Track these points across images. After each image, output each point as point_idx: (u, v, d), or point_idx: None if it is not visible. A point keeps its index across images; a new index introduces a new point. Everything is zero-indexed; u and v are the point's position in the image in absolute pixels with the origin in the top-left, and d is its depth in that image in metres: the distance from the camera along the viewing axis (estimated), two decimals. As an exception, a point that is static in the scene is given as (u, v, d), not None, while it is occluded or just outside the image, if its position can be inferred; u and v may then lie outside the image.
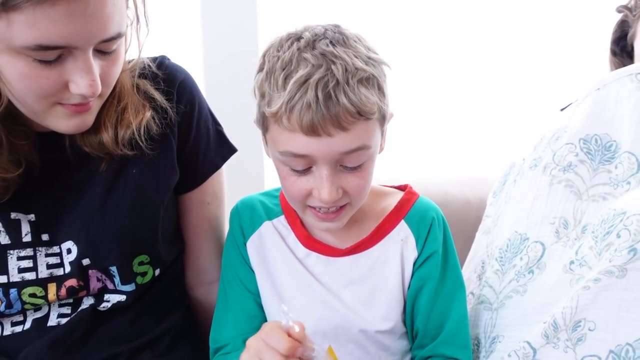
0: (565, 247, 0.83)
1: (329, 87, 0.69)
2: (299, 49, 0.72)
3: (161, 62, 0.88)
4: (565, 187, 0.86)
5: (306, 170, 0.74)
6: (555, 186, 0.87)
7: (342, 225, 0.79)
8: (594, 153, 0.86)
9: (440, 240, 0.83)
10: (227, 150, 0.94)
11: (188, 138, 0.88)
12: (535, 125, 1.13)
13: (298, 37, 0.74)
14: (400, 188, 0.88)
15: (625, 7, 1.01)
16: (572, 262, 0.79)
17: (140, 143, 0.81)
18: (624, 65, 1.01)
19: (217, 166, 0.93)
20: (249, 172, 1.26)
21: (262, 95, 0.74)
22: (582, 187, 0.85)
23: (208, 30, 1.31)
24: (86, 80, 0.71)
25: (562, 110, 1.00)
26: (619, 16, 1.05)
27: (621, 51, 1.04)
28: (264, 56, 0.76)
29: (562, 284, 0.79)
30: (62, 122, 0.75)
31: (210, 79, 1.30)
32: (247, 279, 0.85)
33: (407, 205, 0.84)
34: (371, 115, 0.72)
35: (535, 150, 0.94)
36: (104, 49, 0.72)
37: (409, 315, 0.83)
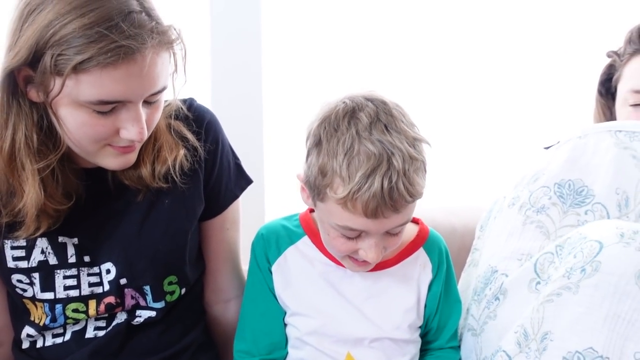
0: (525, 273, 0.93)
1: (392, 181, 0.79)
2: (357, 132, 0.81)
3: (190, 104, 0.99)
4: (536, 228, 0.97)
5: (357, 237, 0.85)
6: (528, 226, 0.97)
7: (371, 267, 0.91)
8: (565, 197, 0.97)
9: (449, 266, 0.98)
10: (244, 181, 1.05)
11: (213, 172, 0.99)
12: (520, 157, 1.23)
13: (352, 115, 0.82)
14: (411, 221, 1.00)
15: (615, 52, 1.12)
16: (538, 283, 0.90)
17: (175, 177, 0.92)
18: (608, 106, 1.14)
19: (236, 196, 1.04)
20: (251, 201, 1.36)
21: (323, 174, 0.82)
22: (552, 228, 0.96)
23: (216, 71, 1.41)
24: (136, 128, 0.82)
25: (546, 148, 1.10)
26: (608, 60, 1.17)
27: (606, 92, 1.15)
28: (319, 130, 0.84)
29: (529, 303, 0.88)
30: (110, 160, 0.86)
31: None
32: (268, 303, 0.95)
33: (424, 235, 0.97)
34: (420, 197, 0.84)
35: (515, 189, 1.04)
36: (150, 100, 0.83)
37: (424, 324, 0.96)
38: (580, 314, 0.81)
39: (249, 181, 1.06)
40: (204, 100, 1.44)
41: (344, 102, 0.85)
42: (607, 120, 1.15)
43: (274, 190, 1.48)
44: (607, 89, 1.16)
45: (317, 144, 0.85)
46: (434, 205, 1.42)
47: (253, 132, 1.48)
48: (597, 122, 1.17)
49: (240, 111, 1.46)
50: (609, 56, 1.14)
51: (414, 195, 0.82)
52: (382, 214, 0.81)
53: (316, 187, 0.85)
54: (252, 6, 1.44)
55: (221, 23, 1.42)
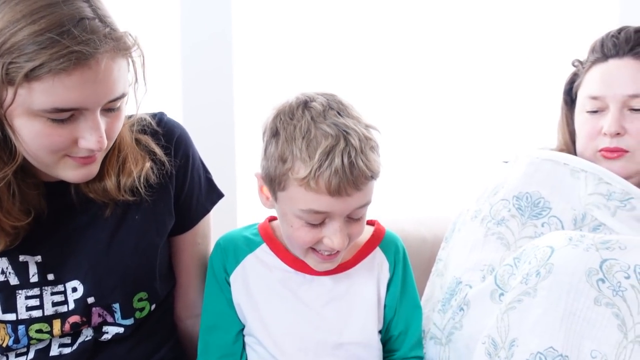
0: (487, 285, 0.96)
1: (351, 157, 0.83)
2: (312, 118, 0.85)
3: (160, 119, 0.99)
4: (497, 239, 1.01)
5: (320, 223, 0.87)
6: (489, 237, 1.01)
7: (337, 264, 0.93)
8: (524, 209, 1.01)
9: (406, 264, 1.00)
10: (215, 195, 1.05)
11: (184, 187, 0.99)
12: (486, 169, 1.26)
13: (306, 105, 0.87)
14: (368, 223, 1.02)
15: (579, 61, 1.16)
16: (501, 294, 0.92)
17: (140, 190, 0.91)
18: (572, 115, 1.18)
19: (207, 210, 1.04)
20: (223, 213, 1.36)
21: (283, 161, 0.85)
22: (511, 239, 1.00)
23: (187, 80, 1.41)
24: (94, 137, 0.80)
25: (505, 162, 1.15)
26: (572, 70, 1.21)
27: (571, 102, 1.19)
28: (275, 122, 0.88)
29: (493, 312, 0.91)
30: (70, 172, 0.84)
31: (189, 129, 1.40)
32: (224, 314, 0.96)
33: (380, 235, 1.00)
34: (378, 176, 0.88)
35: (477, 202, 1.08)
36: (109, 107, 0.82)
37: (385, 326, 0.98)
38: (539, 315, 0.83)
39: (220, 195, 1.06)
40: (174, 111, 1.46)
41: (295, 97, 0.89)
42: (571, 130, 1.18)
43: (246, 201, 1.48)
44: (571, 98, 1.20)
45: (274, 134, 0.87)
46: (403, 216, 1.44)
47: (225, 143, 1.48)
48: (561, 133, 1.21)
49: (211, 122, 1.46)
50: (574, 65, 1.19)
51: (372, 171, 0.85)
52: (344, 191, 0.83)
53: (277, 177, 0.87)
54: (222, 13, 1.44)
55: (191, 32, 1.42)
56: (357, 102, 0.93)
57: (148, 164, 0.92)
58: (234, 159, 1.50)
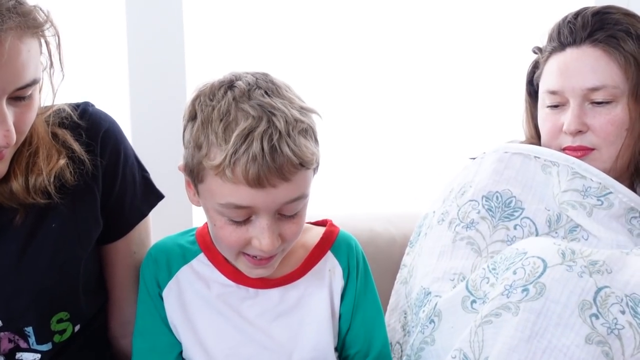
0: (458, 291, 0.87)
1: (273, 140, 0.70)
2: (234, 98, 0.73)
3: (84, 110, 0.86)
4: (467, 245, 0.92)
5: (245, 221, 0.75)
6: (458, 243, 0.92)
7: (273, 270, 0.82)
8: (494, 210, 0.93)
9: (362, 269, 0.88)
10: (154, 197, 0.93)
11: (113, 187, 0.87)
12: (454, 164, 1.18)
13: (230, 86, 0.75)
14: (318, 223, 0.92)
15: (539, 48, 1.07)
16: (473, 302, 0.84)
17: (50, 191, 0.78)
18: (536, 106, 1.08)
19: (143, 214, 0.91)
20: (177, 218, 1.25)
21: (198, 147, 0.74)
22: (482, 244, 0.91)
23: (135, 73, 1.30)
24: (0, 130, 0.69)
25: (472, 159, 1.06)
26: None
27: (535, 93, 1.10)
28: (193, 104, 0.76)
29: (468, 324, 0.83)
30: None
31: (136, 123, 1.29)
32: (161, 335, 0.84)
33: (332, 237, 0.88)
34: (311, 165, 0.75)
35: (444, 204, 1.00)
36: (18, 96, 0.71)
37: (340, 341, 0.86)
38: (520, 341, 0.75)
39: (159, 196, 0.94)
40: (121, 104, 1.34)
41: (222, 76, 0.78)
42: (535, 123, 1.10)
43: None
44: (535, 89, 1.11)
45: (192, 118, 0.76)
46: (371, 213, 1.35)
47: (178, 140, 1.36)
48: (527, 127, 1.13)
49: (162, 114, 1.35)
50: (534, 52, 1.09)
51: (302, 158, 0.73)
52: (267, 181, 0.71)
53: (194, 167, 0.76)
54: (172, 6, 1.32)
55: (138, 19, 1.30)
56: (333, 96, 0.81)
57: (62, 161, 0.80)
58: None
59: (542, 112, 1.03)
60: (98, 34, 1.32)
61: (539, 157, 0.96)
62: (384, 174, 1.58)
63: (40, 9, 0.71)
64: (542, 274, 0.77)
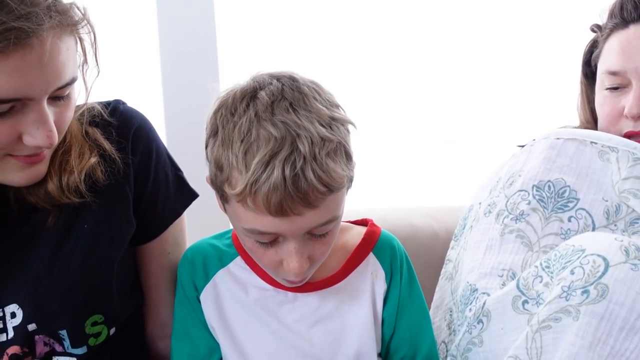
0: (508, 291, 0.82)
1: (297, 167, 0.66)
2: (256, 114, 0.68)
3: (115, 108, 0.85)
4: (516, 238, 0.86)
5: (273, 242, 0.72)
6: (507, 236, 0.86)
7: (305, 281, 0.78)
8: (546, 200, 0.87)
9: (406, 271, 0.84)
10: (187, 196, 0.91)
11: (145, 186, 0.85)
12: (500, 154, 1.13)
13: (252, 96, 0.70)
14: (359, 223, 0.87)
15: (598, 26, 1.01)
16: (525, 302, 0.78)
17: (82, 189, 0.77)
18: (592, 88, 1.02)
19: (177, 213, 0.89)
20: (212, 217, 1.23)
21: (220, 168, 0.70)
22: (534, 238, 0.85)
23: (167, 70, 1.29)
24: (42, 131, 0.68)
25: (520, 147, 1.00)
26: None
27: (592, 75, 1.04)
28: (215, 117, 0.72)
29: (519, 326, 0.78)
30: (15, 175, 0.72)
31: (170, 121, 1.27)
32: (200, 339, 0.82)
33: (374, 238, 0.84)
34: (340, 188, 0.70)
35: (491, 195, 0.94)
36: (57, 95, 0.70)
37: (384, 347, 0.82)
38: (581, 348, 0.69)
39: (193, 195, 0.91)
40: (155, 103, 1.33)
41: (245, 83, 0.73)
42: (592, 107, 1.03)
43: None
44: (592, 70, 1.03)
45: (213, 134, 0.72)
46: (410, 207, 1.31)
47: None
48: (582, 111, 1.06)
49: (195, 112, 1.33)
50: (592, 30, 1.02)
51: (329, 184, 0.67)
52: (291, 210, 0.67)
53: (218, 187, 0.72)
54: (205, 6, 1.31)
55: (170, 13, 1.29)
56: (363, 92, 0.76)
57: (93, 160, 0.78)
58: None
59: (601, 94, 0.97)
60: (129, 30, 1.32)
61: (595, 143, 0.89)
62: (425, 167, 1.54)
63: (76, 5, 0.70)
64: (603, 274, 0.70)
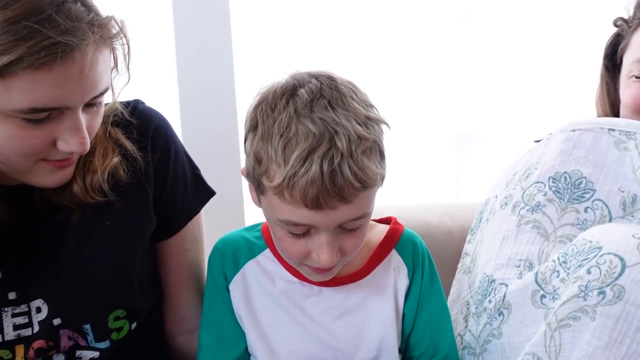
0: (526, 284, 0.82)
1: (334, 162, 0.68)
2: (295, 110, 0.70)
3: (135, 108, 0.86)
4: (532, 229, 0.86)
5: (305, 233, 0.74)
6: (523, 227, 0.87)
7: (331, 276, 0.80)
8: (562, 192, 0.87)
9: (427, 267, 0.85)
10: (205, 193, 0.92)
11: (164, 184, 0.87)
12: (515, 151, 1.13)
13: (292, 93, 0.72)
14: (382, 221, 0.89)
15: (623, 19, 1.01)
16: (543, 297, 0.79)
17: (105, 189, 0.79)
18: (614, 83, 1.02)
19: (195, 211, 0.91)
20: (229, 214, 1.25)
21: (258, 161, 0.72)
22: (550, 228, 0.85)
23: (183, 71, 1.30)
24: (77, 138, 0.71)
25: (536, 142, 1.00)
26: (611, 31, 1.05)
27: (613, 67, 1.04)
28: (255, 112, 0.74)
29: (537, 320, 0.78)
30: (45, 178, 0.74)
31: (186, 121, 1.29)
32: (228, 327, 0.83)
33: (397, 235, 0.85)
34: (374, 185, 0.72)
35: (507, 188, 0.94)
36: (90, 103, 0.72)
37: (404, 342, 0.84)
38: (596, 348, 0.70)
39: (210, 193, 0.93)
40: (171, 102, 1.35)
41: (285, 80, 0.75)
42: (612, 101, 1.02)
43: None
44: (614, 63, 1.03)
45: (253, 128, 0.74)
46: (424, 204, 1.30)
47: (228, 136, 1.36)
48: (601, 104, 1.06)
49: (212, 113, 1.35)
50: (616, 25, 1.02)
51: (364, 181, 0.70)
52: (326, 204, 0.69)
53: (255, 179, 0.74)
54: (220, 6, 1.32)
55: (186, 14, 1.30)
56: (377, 90, 0.77)
57: (116, 159, 0.80)
58: (239, 154, 1.37)
59: (627, 82, 0.97)
60: (145, 31, 1.33)
61: (613, 130, 0.89)
62: (439, 164, 1.54)
63: (115, 20, 0.72)
64: (620, 275, 0.70)
